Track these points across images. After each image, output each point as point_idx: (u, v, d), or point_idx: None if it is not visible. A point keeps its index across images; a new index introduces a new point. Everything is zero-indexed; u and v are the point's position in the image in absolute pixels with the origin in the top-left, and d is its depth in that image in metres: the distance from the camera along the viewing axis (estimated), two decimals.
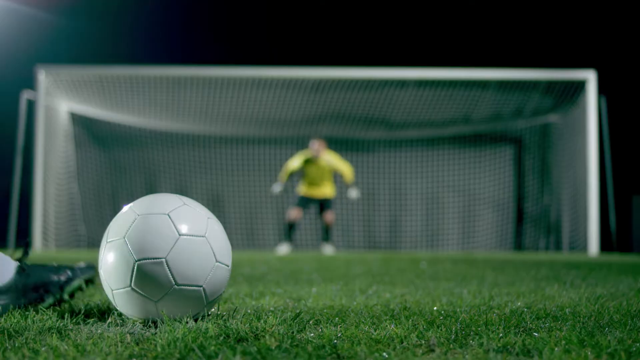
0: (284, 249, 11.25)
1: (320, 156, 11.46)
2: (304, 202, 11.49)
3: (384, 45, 15.34)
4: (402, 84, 13.06)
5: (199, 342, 1.36)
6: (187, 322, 1.60)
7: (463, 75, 12.84)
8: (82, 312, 1.83)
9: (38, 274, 2.01)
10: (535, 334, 1.48)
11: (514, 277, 3.53)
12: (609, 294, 2.48)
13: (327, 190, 11.44)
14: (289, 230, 11.34)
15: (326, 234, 11.46)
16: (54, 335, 1.46)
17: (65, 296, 2.04)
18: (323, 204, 11.37)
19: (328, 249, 11.33)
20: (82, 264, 2.15)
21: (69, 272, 2.07)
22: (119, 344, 1.36)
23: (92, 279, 2.10)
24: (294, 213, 11.37)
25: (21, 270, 1.97)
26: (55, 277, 2.04)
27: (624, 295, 2.44)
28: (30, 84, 12.25)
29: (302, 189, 11.48)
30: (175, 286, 1.64)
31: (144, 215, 1.70)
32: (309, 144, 11.79)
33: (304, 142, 14.21)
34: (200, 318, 1.72)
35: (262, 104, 13.23)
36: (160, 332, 1.47)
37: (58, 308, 1.89)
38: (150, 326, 1.64)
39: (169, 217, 1.70)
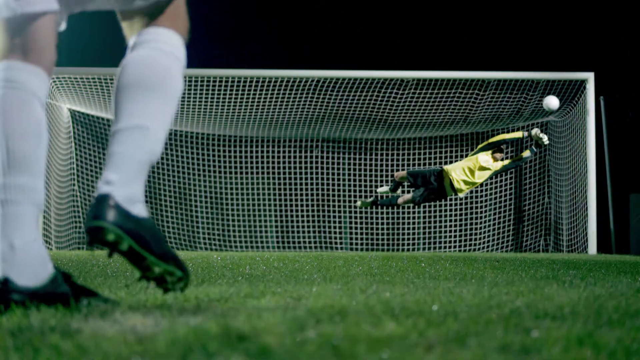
0: (384, 188, 10.74)
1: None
2: (425, 177, 10.16)
3: (386, 46, 15.33)
4: (404, 84, 13.06)
5: (201, 341, 1.37)
6: (188, 322, 1.61)
7: (464, 76, 12.86)
8: (84, 311, 1.84)
9: (67, 285, 1.98)
10: (535, 334, 1.49)
11: (513, 277, 3.53)
12: (608, 293, 2.49)
13: (463, 186, 10.20)
14: (393, 185, 10.49)
15: (390, 194, 10.50)
16: (56, 334, 1.47)
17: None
18: (429, 191, 10.16)
19: (383, 188, 10.69)
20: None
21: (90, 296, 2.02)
22: (121, 343, 1.36)
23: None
24: (400, 173, 10.47)
25: (54, 280, 1.93)
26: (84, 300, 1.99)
27: (623, 294, 2.45)
28: None
29: (452, 171, 10.14)
30: None
31: None
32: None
33: (305, 142, 14.21)
34: (201, 318, 1.72)
35: (262, 104, 13.23)
36: (162, 331, 1.48)
37: (61, 307, 1.90)
38: (151, 325, 1.65)
39: None
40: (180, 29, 2.09)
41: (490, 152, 10.15)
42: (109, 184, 1.88)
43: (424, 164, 14.23)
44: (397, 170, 12.14)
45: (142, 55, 2.01)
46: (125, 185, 1.88)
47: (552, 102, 9.79)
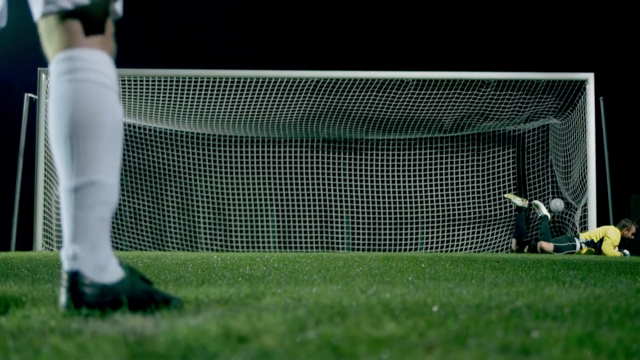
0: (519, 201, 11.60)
1: None
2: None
3: (385, 47, 15.33)
4: (404, 85, 13.06)
5: (201, 342, 1.37)
6: (188, 322, 1.61)
7: (463, 77, 12.86)
8: (84, 311, 1.84)
9: None
10: (535, 334, 1.49)
11: (513, 277, 3.53)
12: (608, 294, 2.49)
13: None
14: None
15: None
16: (56, 335, 1.47)
17: None
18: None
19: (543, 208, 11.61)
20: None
21: None
22: (121, 344, 1.36)
23: None
24: (546, 245, 11.35)
25: None
26: None
27: (623, 295, 2.45)
28: (33, 86, 12.29)
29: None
30: None
31: None
32: None
33: (305, 143, 14.21)
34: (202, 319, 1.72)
35: (263, 104, 13.23)
36: (162, 332, 1.48)
37: (62, 310, 1.90)
38: (151, 326, 1.65)
39: None
40: (109, 47, 1.93)
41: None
42: (76, 258, 1.81)
43: (425, 165, 14.23)
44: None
45: (74, 95, 1.84)
46: (92, 253, 1.82)
47: (558, 204, 10.82)
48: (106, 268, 1.84)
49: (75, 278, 1.81)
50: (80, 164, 1.82)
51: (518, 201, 11.84)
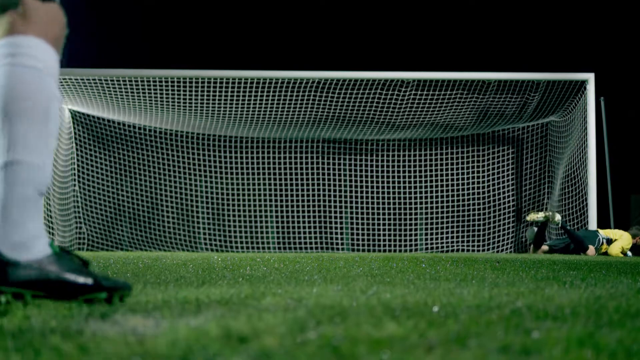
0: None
1: None
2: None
3: (386, 47, 15.34)
4: (404, 85, 13.06)
5: (201, 343, 1.37)
6: (189, 323, 1.61)
7: (464, 77, 12.86)
8: (85, 311, 1.84)
9: None
10: (535, 334, 1.49)
11: (513, 278, 3.53)
12: (608, 294, 2.48)
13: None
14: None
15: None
16: (57, 335, 1.47)
17: None
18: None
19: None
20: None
21: None
22: (121, 344, 1.36)
23: None
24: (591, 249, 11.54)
25: None
26: None
27: (624, 295, 2.45)
28: None
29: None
30: None
31: None
32: None
33: (306, 144, 14.20)
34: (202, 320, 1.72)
35: (263, 105, 13.24)
36: (163, 333, 1.48)
37: (61, 308, 1.89)
38: (152, 326, 1.65)
39: None
40: (49, 35, 1.95)
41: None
42: None
43: (425, 165, 14.23)
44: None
45: (7, 78, 1.87)
46: (12, 232, 1.81)
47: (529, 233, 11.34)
48: (29, 246, 1.84)
49: None
50: (6, 143, 1.84)
51: (541, 216, 12.02)
